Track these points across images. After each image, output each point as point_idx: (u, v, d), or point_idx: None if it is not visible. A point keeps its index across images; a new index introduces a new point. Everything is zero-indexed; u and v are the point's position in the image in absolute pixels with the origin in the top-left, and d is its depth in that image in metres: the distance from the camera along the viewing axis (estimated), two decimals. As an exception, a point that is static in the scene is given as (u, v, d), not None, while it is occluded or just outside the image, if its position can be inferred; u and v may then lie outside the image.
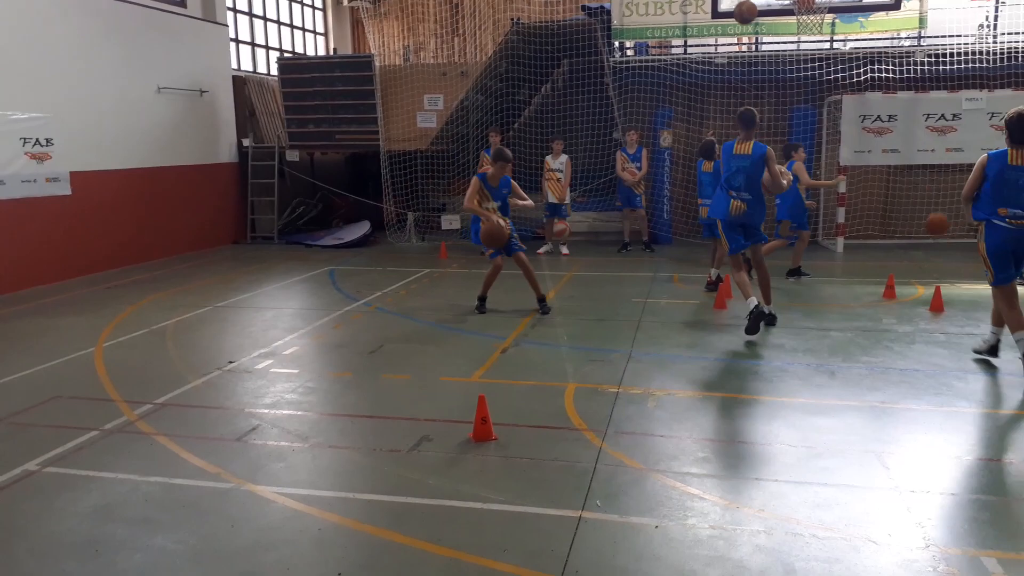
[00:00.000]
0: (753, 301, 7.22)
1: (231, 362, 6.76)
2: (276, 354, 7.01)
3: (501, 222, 8.25)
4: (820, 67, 12.91)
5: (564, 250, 12.64)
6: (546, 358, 6.80)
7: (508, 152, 8.51)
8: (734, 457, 4.65)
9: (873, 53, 12.99)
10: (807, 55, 13.12)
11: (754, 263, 7.98)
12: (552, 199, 12.62)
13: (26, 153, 10.17)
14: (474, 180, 8.42)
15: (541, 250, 12.80)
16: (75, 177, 10.99)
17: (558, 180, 12.57)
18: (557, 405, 5.53)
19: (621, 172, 12.68)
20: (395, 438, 4.98)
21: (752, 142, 7.40)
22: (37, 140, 10.32)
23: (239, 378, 6.35)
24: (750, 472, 4.42)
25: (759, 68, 13.20)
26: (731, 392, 5.83)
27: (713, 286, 9.23)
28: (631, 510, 3.96)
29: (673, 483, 4.25)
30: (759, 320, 7.19)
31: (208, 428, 5.26)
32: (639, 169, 12.60)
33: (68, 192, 10.87)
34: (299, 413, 5.56)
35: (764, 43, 14.14)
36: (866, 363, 6.49)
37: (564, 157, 12.64)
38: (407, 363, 6.74)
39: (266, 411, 5.56)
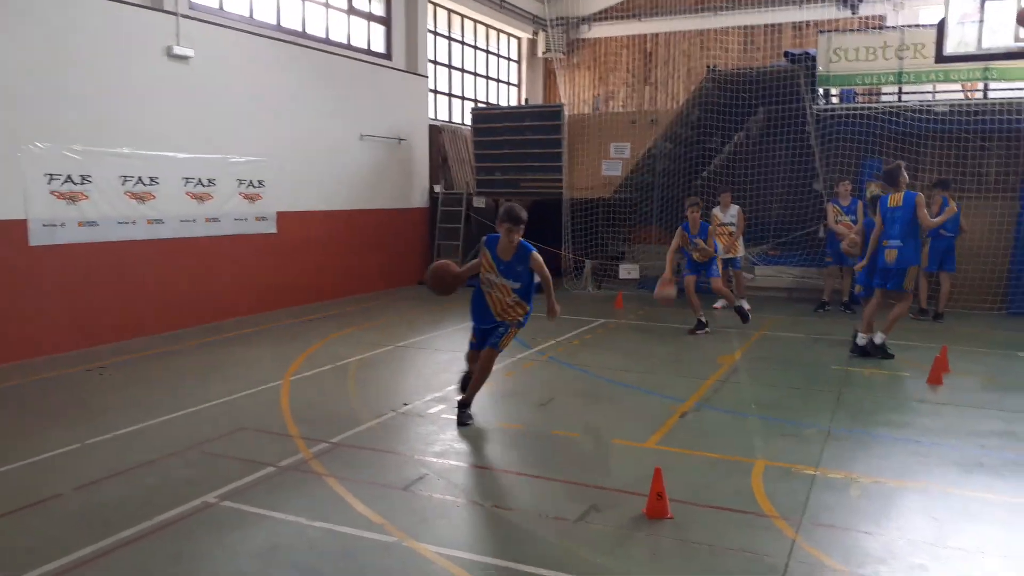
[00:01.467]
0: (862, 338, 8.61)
1: (405, 404, 6.76)
2: (448, 399, 6.94)
3: (456, 269, 6.18)
4: (1061, 115, 11.41)
5: (718, 304, 11.89)
6: (731, 427, 6.23)
7: (520, 210, 6.06)
8: (959, 567, 3.90)
9: None
10: (1045, 102, 11.65)
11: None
12: (721, 253, 11.84)
13: (240, 193, 11.03)
14: (482, 249, 6.25)
15: (718, 304, 12.08)
16: (281, 217, 11.79)
17: (730, 234, 11.85)
18: (743, 484, 4.98)
19: (834, 225, 11.70)
20: (562, 504, 4.67)
21: (903, 193, 8.29)
22: (251, 182, 11.18)
23: (412, 422, 6.33)
24: (982, 592, 3.68)
25: (986, 117, 11.87)
26: (951, 486, 5.00)
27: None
28: (831, 624, 3.38)
29: (883, 595, 3.62)
30: (867, 353, 8.53)
31: (377, 473, 5.21)
32: (854, 223, 11.61)
33: (274, 231, 11.66)
34: (466, 465, 5.40)
35: (992, 90, 12.76)
36: None
37: (735, 208, 11.96)
38: (578, 419, 6.43)
39: (434, 460, 5.44)
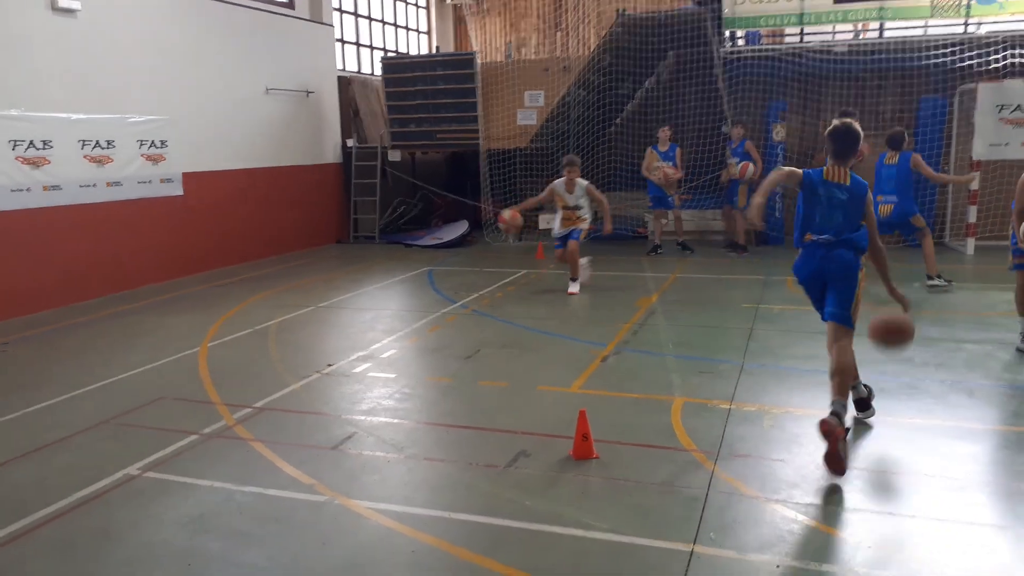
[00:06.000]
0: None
1: (330, 365, 6.71)
2: (374, 357, 6.93)
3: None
4: (952, 53, 11.94)
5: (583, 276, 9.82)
6: (650, 368, 6.44)
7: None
8: (863, 487, 4.18)
9: (1013, 36, 11.90)
10: (937, 41, 12.16)
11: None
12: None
13: (142, 155, 10.54)
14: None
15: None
16: (187, 178, 11.34)
17: (578, 217, 9.57)
18: (663, 421, 5.18)
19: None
20: (492, 452, 4.76)
21: (899, 153, 8.80)
22: (152, 142, 10.69)
23: (337, 382, 6.30)
24: (883, 506, 3.96)
25: (883, 56, 12.33)
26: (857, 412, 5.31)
27: None
28: (749, 545, 3.59)
29: (795, 515, 3.85)
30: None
31: (305, 435, 5.18)
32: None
33: (180, 192, 11.23)
34: (395, 421, 5.42)
35: (888, 29, 13.23)
36: (1009, 381, 5.85)
37: (582, 185, 9.51)
38: (504, 370, 6.52)
39: (362, 418, 5.45)
